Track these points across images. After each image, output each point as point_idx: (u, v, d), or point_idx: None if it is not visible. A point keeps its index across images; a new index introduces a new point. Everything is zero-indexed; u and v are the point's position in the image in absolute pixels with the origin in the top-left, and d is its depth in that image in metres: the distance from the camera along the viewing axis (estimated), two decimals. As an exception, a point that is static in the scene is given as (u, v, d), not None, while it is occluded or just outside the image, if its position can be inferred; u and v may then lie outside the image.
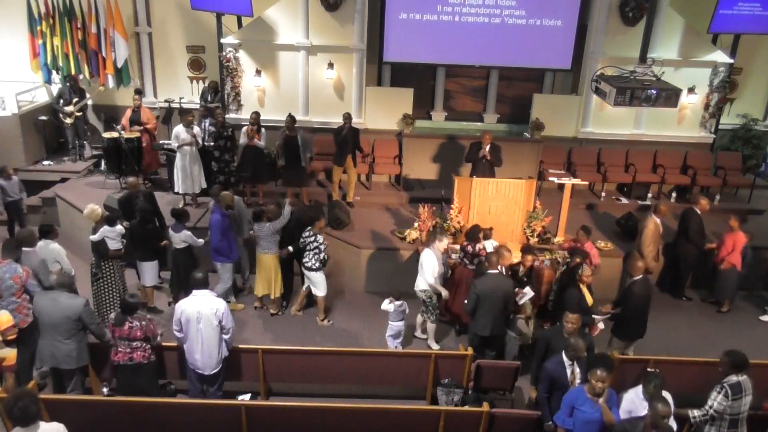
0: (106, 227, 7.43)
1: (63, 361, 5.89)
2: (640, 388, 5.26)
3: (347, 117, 9.59)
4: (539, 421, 5.68)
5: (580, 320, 5.85)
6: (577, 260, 7.01)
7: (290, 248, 7.90)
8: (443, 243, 7.36)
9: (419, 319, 7.78)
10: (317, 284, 7.86)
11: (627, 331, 7.06)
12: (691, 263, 8.88)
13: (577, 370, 5.48)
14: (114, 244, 7.47)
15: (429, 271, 7.22)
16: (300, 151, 9.49)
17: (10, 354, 5.97)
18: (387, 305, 7.30)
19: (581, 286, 6.75)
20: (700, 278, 9.17)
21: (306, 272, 7.84)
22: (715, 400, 5.22)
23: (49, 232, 7.09)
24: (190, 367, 6.04)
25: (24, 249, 6.53)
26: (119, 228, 7.55)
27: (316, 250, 7.65)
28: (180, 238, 7.74)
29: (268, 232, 7.74)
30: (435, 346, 7.61)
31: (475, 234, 7.63)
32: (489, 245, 7.66)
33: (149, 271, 7.90)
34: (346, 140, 9.60)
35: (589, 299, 6.77)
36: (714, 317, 8.74)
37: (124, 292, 7.59)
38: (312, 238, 7.63)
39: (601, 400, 5.00)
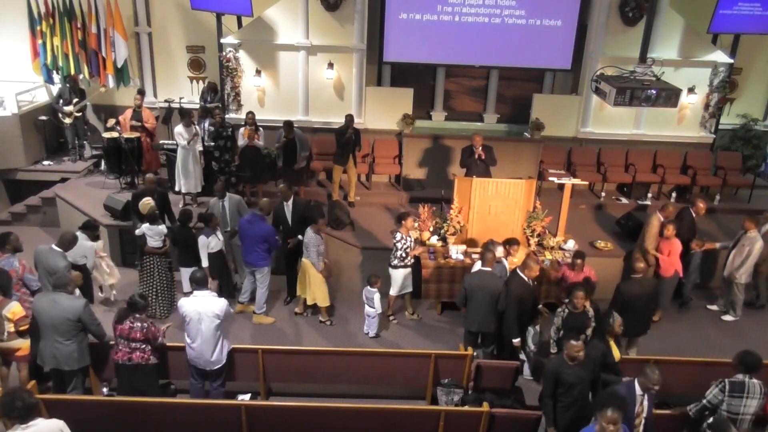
0: (146, 225, 7.61)
1: (64, 362, 5.88)
2: None
3: (350, 119, 9.61)
4: (539, 421, 5.68)
5: (583, 347, 5.27)
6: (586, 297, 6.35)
7: (299, 237, 7.94)
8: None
9: None
10: (392, 282, 7.98)
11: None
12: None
13: (646, 402, 5.04)
14: (153, 242, 7.64)
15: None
16: (297, 151, 9.56)
17: (24, 344, 5.98)
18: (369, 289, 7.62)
19: (609, 338, 5.99)
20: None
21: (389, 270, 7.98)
22: (711, 393, 5.25)
23: (88, 228, 7.35)
24: (191, 363, 6.05)
25: (53, 247, 6.63)
26: (159, 228, 7.67)
27: (394, 248, 7.79)
28: (212, 244, 7.70)
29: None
30: None
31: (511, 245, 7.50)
32: (504, 263, 7.39)
33: (186, 278, 7.75)
34: (349, 141, 9.62)
35: (617, 353, 6.04)
36: (715, 318, 8.72)
37: (163, 289, 7.81)
38: (395, 237, 7.79)
39: None
